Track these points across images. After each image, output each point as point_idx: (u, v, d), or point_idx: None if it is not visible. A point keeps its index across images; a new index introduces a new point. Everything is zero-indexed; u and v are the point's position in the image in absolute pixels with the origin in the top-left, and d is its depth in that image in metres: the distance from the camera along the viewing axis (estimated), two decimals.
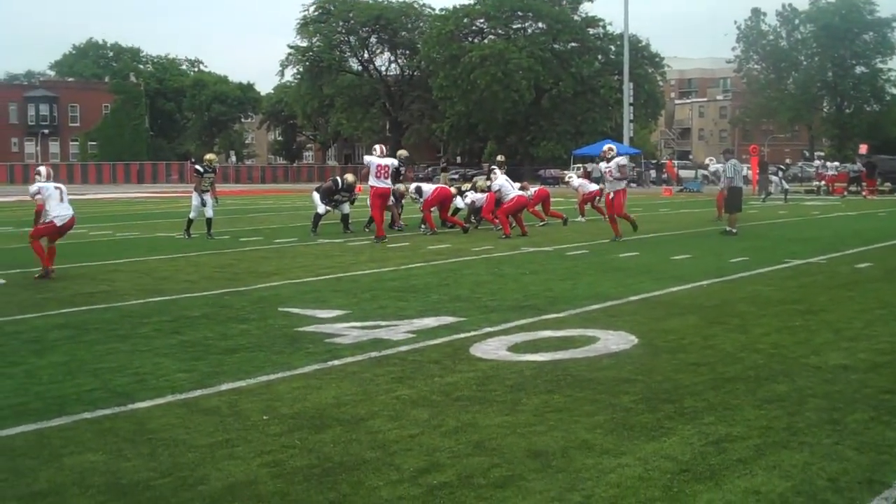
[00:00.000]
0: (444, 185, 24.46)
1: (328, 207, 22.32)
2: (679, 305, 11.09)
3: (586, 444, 5.70)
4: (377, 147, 21.44)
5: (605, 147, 21.81)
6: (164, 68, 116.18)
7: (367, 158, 21.27)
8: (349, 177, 22.86)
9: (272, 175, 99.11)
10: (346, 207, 22.64)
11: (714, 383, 7.18)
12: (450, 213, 23.87)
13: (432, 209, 22.80)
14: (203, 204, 21.15)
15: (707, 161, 37.22)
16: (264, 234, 22.23)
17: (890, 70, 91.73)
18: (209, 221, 21.37)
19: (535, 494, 4.88)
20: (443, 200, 23.14)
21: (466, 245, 19.03)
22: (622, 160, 20.12)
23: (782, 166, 47.52)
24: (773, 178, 43.01)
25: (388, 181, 20.75)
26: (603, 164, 20.75)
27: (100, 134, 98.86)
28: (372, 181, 20.62)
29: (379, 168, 20.44)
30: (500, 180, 22.63)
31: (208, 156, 22.86)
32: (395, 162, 21.38)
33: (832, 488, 4.93)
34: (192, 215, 21.41)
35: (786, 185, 42.35)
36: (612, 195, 20.16)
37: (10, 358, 8.43)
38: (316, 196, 22.69)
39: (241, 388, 7.22)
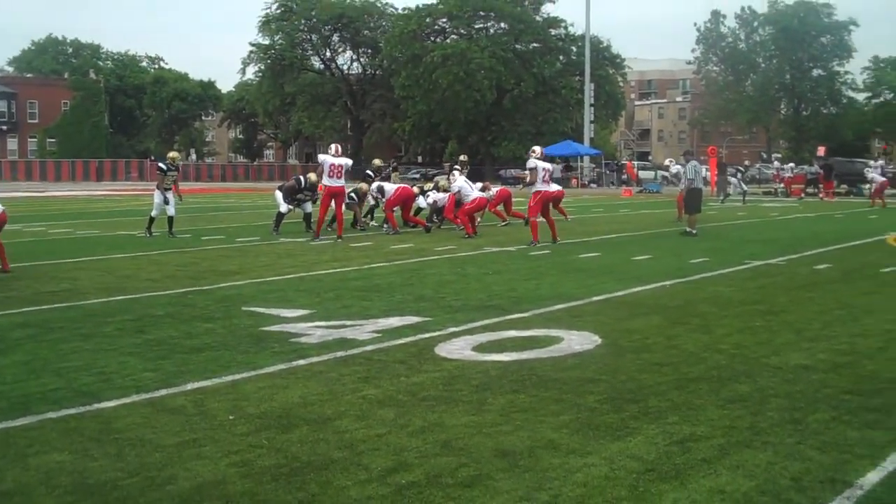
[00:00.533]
0: (405, 185, 24.38)
1: (290, 206, 22.27)
2: (642, 305, 11.18)
3: (553, 444, 5.74)
4: (333, 146, 21.36)
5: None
6: (125, 65, 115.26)
7: (321, 157, 21.20)
8: (312, 176, 22.75)
9: (233, 173, 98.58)
10: (308, 207, 22.58)
11: (678, 383, 7.26)
12: (412, 213, 23.91)
13: (395, 209, 22.85)
14: (166, 202, 21.03)
15: (667, 162, 37.45)
16: (226, 232, 22.14)
17: (846, 73, 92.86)
18: (171, 220, 21.25)
19: (502, 494, 4.92)
20: (405, 200, 23.17)
21: (429, 245, 19.06)
22: (531, 164, 19.45)
23: (741, 168, 47.89)
24: (732, 179, 43.36)
25: (342, 180, 20.68)
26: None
27: (59, 131, 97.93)
28: (325, 180, 20.61)
29: (332, 167, 20.38)
30: (460, 182, 22.71)
31: (171, 154, 22.72)
32: (350, 162, 21.39)
33: (795, 487, 5.01)
34: (154, 213, 21.27)
35: (744, 187, 42.71)
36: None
37: None
38: (279, 195, 22.64)
39: (206, 387, 7.21)
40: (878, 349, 8.58)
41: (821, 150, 59.09)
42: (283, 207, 22.25)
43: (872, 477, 5.16)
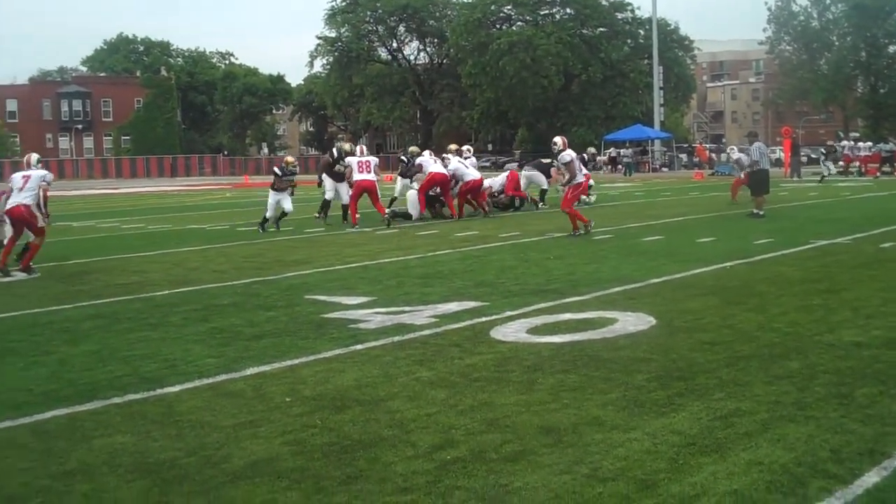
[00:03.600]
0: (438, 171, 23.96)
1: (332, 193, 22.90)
2: (700, 287, 11.20)
3: (597, 421, 5.86)
4: (357, 148, 23.17)
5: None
6: (195, 61, 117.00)
7: (348, 160, 22.14)
8: (345, 145, 23.64)
9: (304, 166, 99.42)
10: (288, 203, 22.20)
11: (728, 361, 7.32)
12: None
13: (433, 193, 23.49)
14: (279, 202, 21.38)
15: (728, 150, 36.94)
16: (294, 223, 22.45)
17: None
18: (283, 214, 21.57)
19: (544, 467, 5.06)
20: (440, 185, 23.36)
21: (494, 231, 19.19)
22: (566, 157, 19.16)
23: (823, 149, 47.01)
24: (824, 160, 42.91)
25: (371, 174, 21.64)
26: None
27: (132, 128, 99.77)
28: (356, 176, 21.50)
29: (360, 164, 21.56)
30: (454, 163, 23.42)
31: (288, 158, 23.20)
32: (376, 159, 22.71)
33: (833, 459, 5.06)
34: (268, 214, 21.44)
35: (832, 168, 42.22)
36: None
37: (44, 347, 8.69)
38: (327, 181, 23.10)
39: (266, 372, 7.43)
40: None
41: None
42: (329, 194, 22.87)
43: None
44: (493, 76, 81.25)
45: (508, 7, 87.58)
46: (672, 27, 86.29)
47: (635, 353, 7.66)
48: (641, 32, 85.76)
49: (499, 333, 8.67)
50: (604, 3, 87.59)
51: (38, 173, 14.54)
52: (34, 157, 15.28)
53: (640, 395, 6.41)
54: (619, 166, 64.70)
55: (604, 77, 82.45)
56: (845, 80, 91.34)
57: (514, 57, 79.05)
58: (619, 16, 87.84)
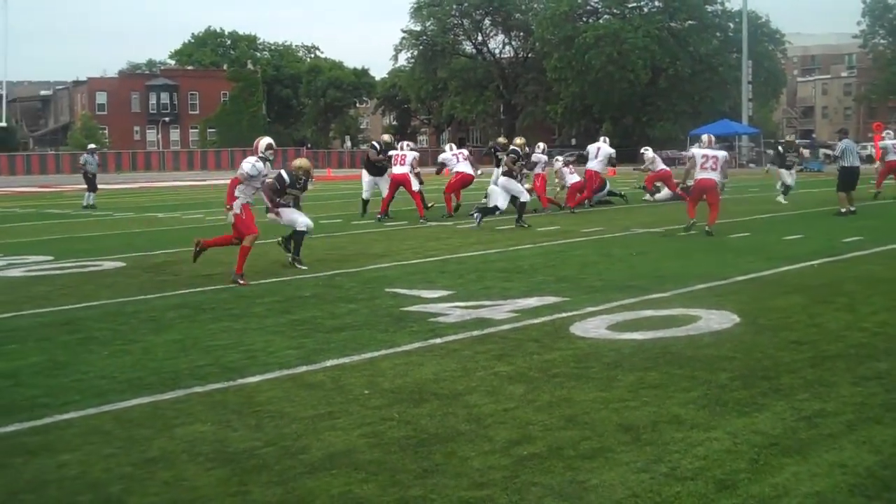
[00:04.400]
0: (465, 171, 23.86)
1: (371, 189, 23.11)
2: (786, 285, 11.01)
3: (677, 419, 5.78)
4: (404, 143, 23.89)
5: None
6: (281, 55, 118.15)
7: (390, 152, 22.71)
8: (385, 137, 24.22)
9: None
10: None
11: (813, 361, 7.17)
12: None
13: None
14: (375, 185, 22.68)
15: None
16: (374, 216, 22.56)
17: None
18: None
19: (622, 465, 5.00)
20: (465, 184, 23.48)
21: (576, 226, 19.07)
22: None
23: None
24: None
25: (406, 167, 21.88)
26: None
27: (218, 121, 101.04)
28: (392, 170, 22.16)
29: (396, 157, 22.13)
30: (446, 154, 24.09)
31: (385, 137, 24.09)
32: (416, 154, 22.87)
33: None
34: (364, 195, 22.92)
35: None
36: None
37: (129, 336, 8.84)
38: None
39: (345, 364, 7.47)
40: None
41: None
42: (366, 194, 23.12)
43: None
44: (578, 70, 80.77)
45: (596, 0, 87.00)
46: (763, 20, 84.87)
47: (718, 352, 7.55)
48: (731, 25, 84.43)
49: (579, 329, 8.61)
50: None
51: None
52: (264, 141, 13.59)
53: (722, 394, 6.31)
54: None
55: (692, 71, 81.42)
56: None
57: (601, 51, 78.49)
58: (709, 8, 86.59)
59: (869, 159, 53.25)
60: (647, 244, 15.69)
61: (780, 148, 25.73)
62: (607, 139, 25.77)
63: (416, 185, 21.65)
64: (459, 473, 4.95)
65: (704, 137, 19.07)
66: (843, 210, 20.58)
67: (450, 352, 7.82)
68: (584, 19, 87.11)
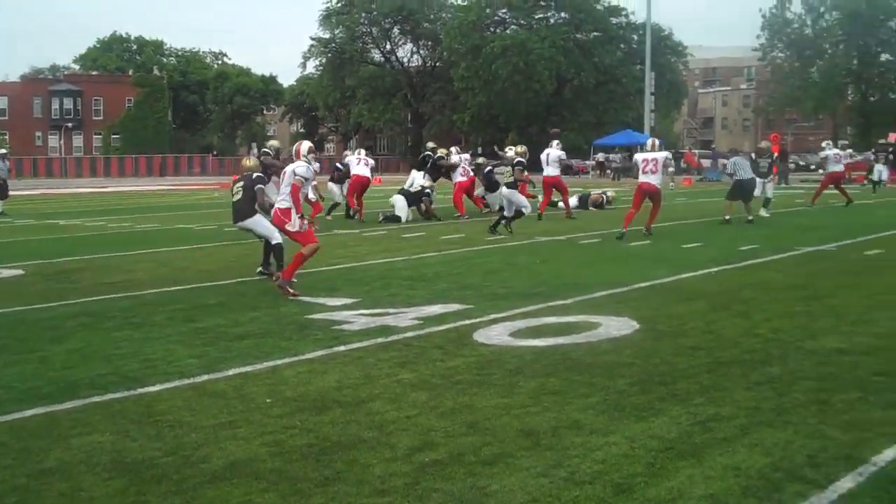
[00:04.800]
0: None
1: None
2: (685, 292, 11.24)
3: (577, 424, 5.87)
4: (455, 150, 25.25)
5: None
6: (188, 61, 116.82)
7: (347, 159, 24.65)
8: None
9: None
10: None
11: (709, 367, 7.34)
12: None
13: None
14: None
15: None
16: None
17: None
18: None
19: (521, 470, 5.07)
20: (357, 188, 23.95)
21: (482, 234, 19.18)
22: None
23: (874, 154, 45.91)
24: (879, 166, 41.75)
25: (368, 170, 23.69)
26: None
27: (123, 127, 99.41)
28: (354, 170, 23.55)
29: (359, 159, 23.75)
30: (351, 157, 24.68)
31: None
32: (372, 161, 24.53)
33: (810, 464, 5.09)
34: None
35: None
36: None
37: (28, 345, 8.68)
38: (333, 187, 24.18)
39: (247, 372, 7.43)
40: None
41: (892, 137, 57.99)
42: (338, 197, 23.58)
43: (889, 454, 5.22)
44: (485, 80, 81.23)
45: (503, 11, 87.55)
46: (666, 33, 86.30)
47: (617, 358, 7.68)
48: (635, 38, 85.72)
49: (482, 336, 8.68)
50: (598, 7, 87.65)
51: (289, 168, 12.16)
52: (305, 145, 12.52)
53: (620, 400, 6.43)
54: (608, 171, 64.79)
55: (596, 82, 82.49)
56: (836, 88, 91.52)
57: (508, 61, 79.03)
58: (614, 21, 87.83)
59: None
60: (551, 252, 15.87)
61: (752, 155, 25.55)
62: (559, 143, 25.97)
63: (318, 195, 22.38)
64: (361, 481, 4.97)
65: (648, 142, 19.65)
66: (727, 217, 21.02)
67: (353, 359, 7.83)
68: (492, 29, 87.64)
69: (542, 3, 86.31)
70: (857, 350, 7.85)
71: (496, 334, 8.77)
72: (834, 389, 6.58)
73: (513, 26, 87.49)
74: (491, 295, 11.16)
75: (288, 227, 11.78)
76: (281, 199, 11.79)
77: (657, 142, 20.89)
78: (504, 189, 20.28)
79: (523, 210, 19.60)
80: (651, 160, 18.35)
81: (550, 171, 24.33)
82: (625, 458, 5.22)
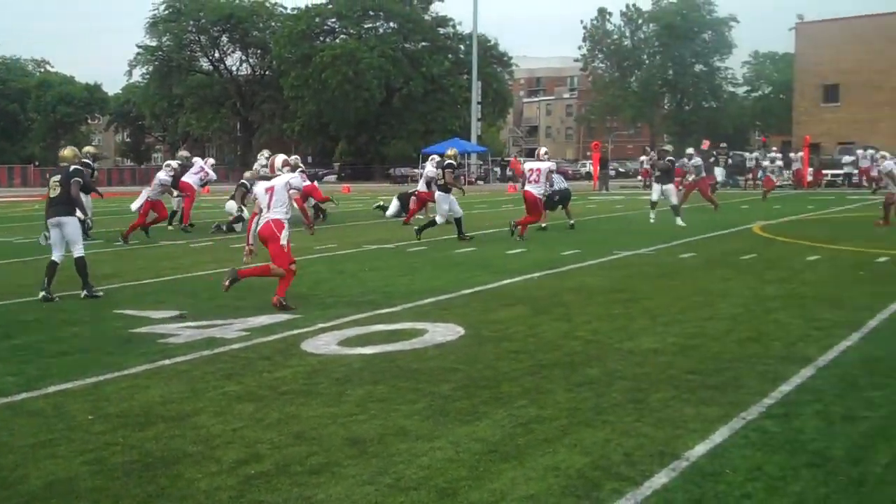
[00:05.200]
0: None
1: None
2: (509, 297, 11.49)
3: (403, 431, 5.95)
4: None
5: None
6: (8, 69, 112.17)
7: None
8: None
9: (119, 177, 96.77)
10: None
11: (532, 369, 7.54)
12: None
13: None
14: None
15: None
16: (105, 236, 21.83)
17: (727, 68, 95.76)
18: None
19: (348, 479, 5.11)
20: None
21: (310, 244, 19.10)
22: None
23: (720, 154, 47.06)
24: (718, 169, 42.26)
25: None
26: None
27: None
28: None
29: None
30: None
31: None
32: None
33: (626, 462, 5.30)
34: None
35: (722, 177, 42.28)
36: None
37: None
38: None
39: (68, 389, 7.24)
40: (725, 331, 9.01)
41: (705, 144, 60.41)
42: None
43: (700, 449, 5.48)
44: (315, 88, 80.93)
45: (333, 20, 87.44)
46: (492, 43, 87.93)
47: (443, 364, 7.81)
48: (462, 48, 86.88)
49: (310, 346, 8.70)
50: (427, 18, 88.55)
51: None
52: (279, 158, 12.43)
53: (445, 405, 6.54)
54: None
55: (424, 91, 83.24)
56: (653, 97, 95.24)
57: (337, 70, 78.94)
58: (441, 31, 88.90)
59: (588, 176, 56.19)
60: (378, 260, 15.95)
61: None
62: (436, 158, 26.02)
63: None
64: (185, 496, 4.92)
65: (539, 151, 20.02)
66: (544, 225, 21.53)
67: (178, 373, 7.72)
68: (322, 38, 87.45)
69: (371, 13, 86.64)
70: (670, 350, 8.19)
71: (324, 343, 8.79)
72: (649, 388, 6.85)
73: (342, 35, 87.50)
74: (319, 304, 11.18)
75: (281, 239, 11.47)
76: (275, 210, 11.52)
77: (542, 150, 21.41)
78: (438, 194, 20.18)
79: (457, 215, 19.74)
80: (535, 169, 19.00)
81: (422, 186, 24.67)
82: (449, 463, 5.33)
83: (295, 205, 12.27)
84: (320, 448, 5.65)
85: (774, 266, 14.12)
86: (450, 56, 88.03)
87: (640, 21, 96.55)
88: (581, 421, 6.09)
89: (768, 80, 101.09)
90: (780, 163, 41.14)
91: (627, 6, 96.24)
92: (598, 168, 50.86)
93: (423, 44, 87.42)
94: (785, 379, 7.07)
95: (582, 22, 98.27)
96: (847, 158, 48.58)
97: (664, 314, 9.99)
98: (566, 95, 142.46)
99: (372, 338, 9.03)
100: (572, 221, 21.78)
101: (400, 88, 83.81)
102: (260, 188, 11.79)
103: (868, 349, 8.14)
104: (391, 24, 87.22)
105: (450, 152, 21.05)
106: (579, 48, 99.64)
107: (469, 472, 5.17)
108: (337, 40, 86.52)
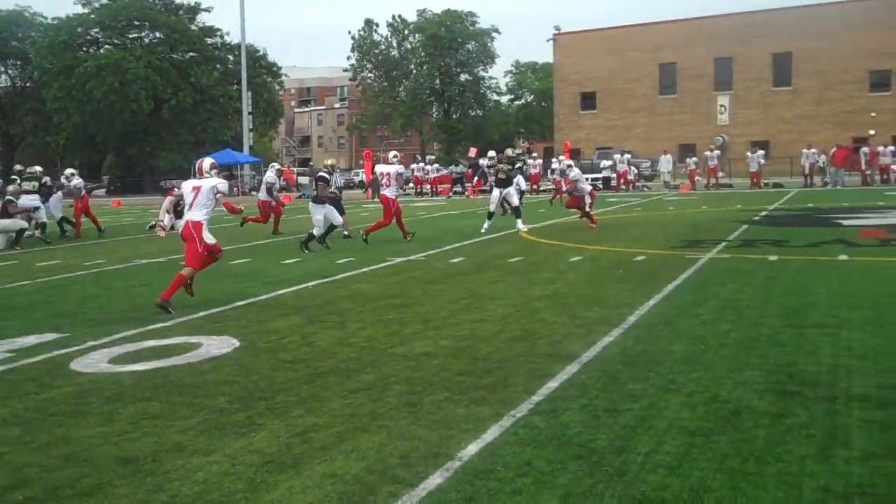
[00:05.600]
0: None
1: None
2: (283, 307, 11.49)
3: (178, 447, 5.89)
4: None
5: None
6: None
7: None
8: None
9: None
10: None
11: (307, 378, 7.58)
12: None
13: None
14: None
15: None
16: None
17: (491, 78, 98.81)
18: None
19: (121, 499, 5.02)
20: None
21: (77, 260, 18.53)
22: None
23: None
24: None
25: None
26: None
27: None
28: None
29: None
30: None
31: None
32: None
33: (402, 465, 5.41)
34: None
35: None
36: None
37: None
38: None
39: None
40: (494, 333, 9.29)
41: (472, 151, 61.75)
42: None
43: (472, 449, 5.64)
44: (79, 100, 78.01)
45: (96, 30, 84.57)
46: (261, 53, 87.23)
47: (218, 377, 7.75)
48: (231, 58, 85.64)
49: (79, 365, 8.45)
50: (193, 28, 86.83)
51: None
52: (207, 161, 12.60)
53: (221, 418, 6.50)
54: None
55: (194, 102, 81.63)
56: (422, 105, 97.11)
57: (103, 80, 76.42)
58: (209, 41, 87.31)
59: (361, 185, 56.61)
60: (149, 275, 15.60)
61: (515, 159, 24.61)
62: (276, 166, 25.61)
63: None
64: None
65: (388, 155, 20.02)
66: (347, 233, 21.63)
67: None
68: (85, 49, 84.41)
69: (136, 23, 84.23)
70: (443, 353, 8.39)
71: (94, 361, 8.56)
72: (423, 391, 7.01)
73: (107, 45, 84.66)
74: (88, 321, 10.86)
75: (205, 239, 11.86)
76: (196, 212, 11.86)
77: (391, 154, 21.36)
78: (312, 205, 19.69)
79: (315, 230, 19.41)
80: (385, 174, 19.11)
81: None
82: (226, 476, 5.31)
83: (224, 208, 12.65)
84: (92, 469, 5.52)
85: (540, 268, 14.64)
86: (218, 66, 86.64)
87: (406, 32, 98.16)
88: (357, 427, 6.18)
89: (529, 88, 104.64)
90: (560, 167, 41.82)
91: (394, 17, 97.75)
92: (370, 177, 51.26)
93: (191, 54, 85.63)
94: (552, 376, 7.36)
95: (350, 32, 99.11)
96: (605, 163, 50.70)
97: (436, 318, 10.21)
98: (337, 105, 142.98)
99: (144, 354, 8.85)
100: (346, 232, 21.83)
101: (168, 99, 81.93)
102: (187, 186, 12.18)
103: (628, 344, 8.57)
104: (157, 35, 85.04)
105: (328, 161, 21.13)
106: (348, 58, 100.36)
107: (246, 485, 5.17)
108: (101, 50, 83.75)
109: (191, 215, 11.89)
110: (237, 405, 6.83)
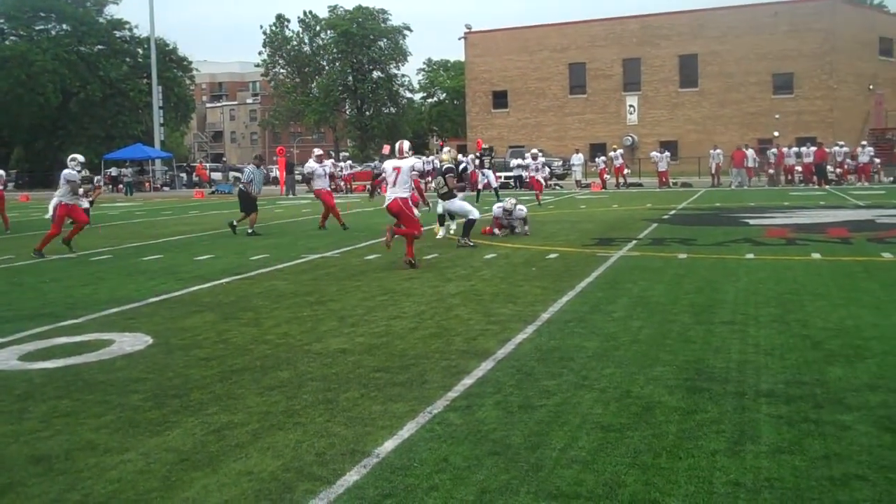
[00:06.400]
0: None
1: None
2: (198, 304, 11.39)
3: (91, 445, 5.82)
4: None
5: None
6: None
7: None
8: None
9: None
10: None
11: (222, 376, 7.54)
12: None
13: None
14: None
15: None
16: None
17: (403, 75, 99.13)
18: None
19: (33, 498, 4.95)
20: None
21: None
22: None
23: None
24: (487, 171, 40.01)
25: None
26: None
27: None
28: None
29: None
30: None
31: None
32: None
33: (319, 462, 5.41)
34: None
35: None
36: None
37: None
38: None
39: None
40: (409, 329, 9.32)
41: (386, 148, 61.76)
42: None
43: (389, 445, 5.67)
44: None
45: (1, 21, 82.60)
46: (171, 47, 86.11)
47: (131, 374, 7.66)
48: (140, 51, 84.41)
49: None
50: (101, 20, 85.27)
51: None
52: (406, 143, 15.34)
53: (135, 416, 6.44)
54: (120, 186, 63.34)
55: (103, 95, 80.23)
56: (335, 102, 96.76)
57: (8, 73, 74.67)
58: (118, 34, 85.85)
59: (275, 181, 56.34)
60: (59, 270, 15.35)
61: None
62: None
63: None
64: None
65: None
66: (251, 231, 21.50)
67: None
68: None
69: (43, 15, 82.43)
70: (359, 349, 8.40)
71: (3, 359, 8.41)
72: (339, 388, 7.01)
73: (12, 37, 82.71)
74: None
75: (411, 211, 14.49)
76: (400, 188, 14.43)
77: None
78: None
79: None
80: (396, 169, 19.63)
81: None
82: (140, 475, 5.26)
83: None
84: (2, 468, 5.43)
85: (455, 265, 14.72)
86: (128, 60, 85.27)
87: (317, 28, 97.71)
88: (273, 424, 6.17)
89: (442, 86, 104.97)
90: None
91: (305, 13, 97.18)
92: (284, 173, 51.04)
93: (100, 47, 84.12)
94: (467, 372, 7.42)
95: (262, 27, 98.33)
96: (516, 162, 50.85)
97: (352, 315, 10.22)
98: (249, 100, 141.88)
99: (55, 351, 8.72)
100: (251, 230, 21.62)
101: (77, 93, 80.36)
102: (388, 166, 14.65)
103: (541, 340, 8.66)
104: (64, 27, 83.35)
105: (445, 156, 20.24)
106: (260, 53, 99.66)
107: (161, 483, 5.13)
108: (6, 42, 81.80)
109: (396, 192, 14.36)
110: (151, 403, 6.77)
